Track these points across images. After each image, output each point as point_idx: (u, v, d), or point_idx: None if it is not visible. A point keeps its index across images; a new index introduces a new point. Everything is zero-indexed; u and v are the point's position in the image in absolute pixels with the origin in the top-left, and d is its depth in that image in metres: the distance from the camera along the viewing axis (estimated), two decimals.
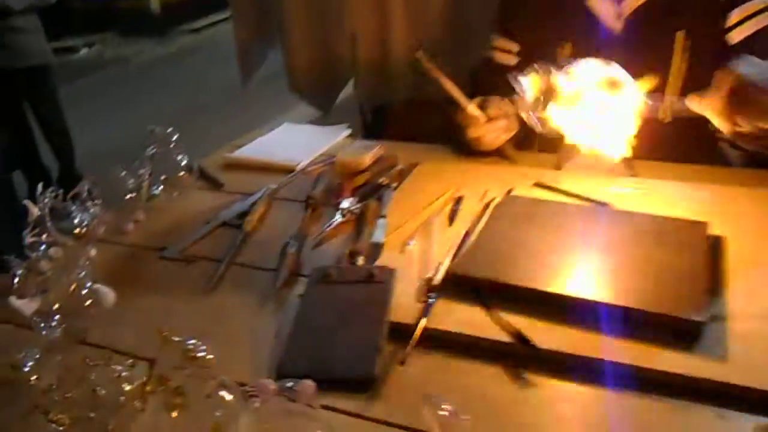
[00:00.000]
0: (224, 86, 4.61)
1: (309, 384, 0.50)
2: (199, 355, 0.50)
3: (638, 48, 1.07)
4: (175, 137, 1.07)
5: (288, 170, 1.18)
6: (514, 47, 1.25)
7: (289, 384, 0.50)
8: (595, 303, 0.68)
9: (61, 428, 0.56)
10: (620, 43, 1.11)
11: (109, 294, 0.76)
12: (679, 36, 1.08)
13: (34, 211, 0.81)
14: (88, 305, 0.74)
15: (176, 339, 0.53)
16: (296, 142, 1.29)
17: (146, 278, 0.89)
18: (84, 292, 0.74)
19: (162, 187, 1.10)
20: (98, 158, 3.38)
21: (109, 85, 5.56)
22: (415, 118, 2.16)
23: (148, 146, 1.04)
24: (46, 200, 0.78)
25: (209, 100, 4.64)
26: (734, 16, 1.05)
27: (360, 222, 0.88)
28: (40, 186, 0.86)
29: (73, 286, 0.74)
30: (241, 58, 2.48)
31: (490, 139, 1.10)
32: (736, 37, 1.04)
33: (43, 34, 3.05)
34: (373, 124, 2.36)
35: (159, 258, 0.92)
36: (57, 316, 0.72)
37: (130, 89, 5.34)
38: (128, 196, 1.00)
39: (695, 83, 0.92)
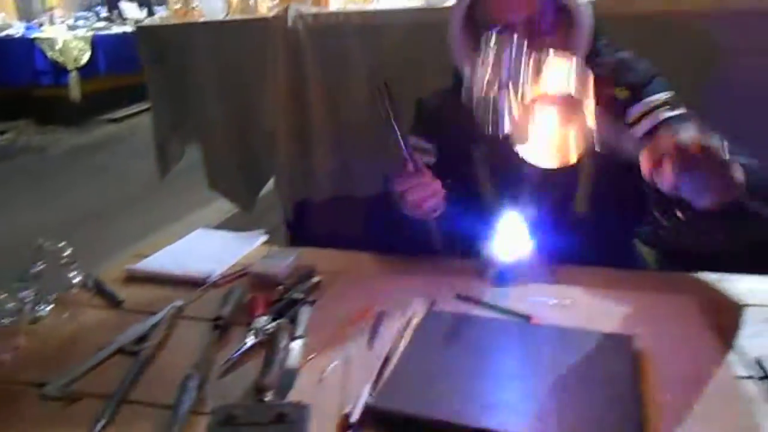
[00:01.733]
0: (143, 178, 4.47)
1: None
2: None
3: None
4: (67, 252, 0.97)
5: (198, 283, 1.09)
6: (429, 147, 1.25)
7: None
8: None
9: None
10: None
11: None
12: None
13: None
14: None
15: None
16: (208, 251, 1.21)
17: (21, 425, 0.76)
18: None
19: (51, 306, 0.98)
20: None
21: (19, 174, 5.28)
22: (340, 213, 2.13)
23: (34, 263, 0.93)
24: None
25: (125, 192, 4.46)
26: (634, 113, 1.11)
27: (271, 346, 0.80)
28: None
29: None
30: (158, 153, 2.41)
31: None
32: (637, 132, 1.09)
33: None
34: (297, 221, 2.31)
35: (38, 396, 0.80)
36: None
37: (42, 180, 5.08)
38: (7, 321, 0.88)
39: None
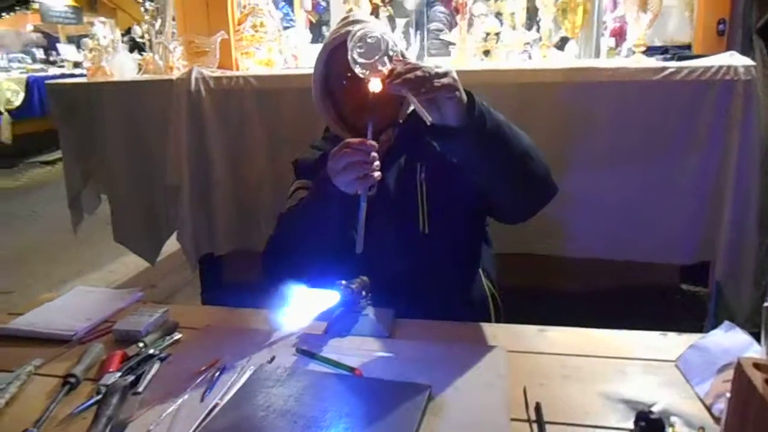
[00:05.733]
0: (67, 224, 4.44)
1: None
2: None
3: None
4: None
5: (63, 341, 1.16)
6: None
7: None
8: None
9: None
10: None
11: None
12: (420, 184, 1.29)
13: None
14: None
15: None
16: (81, 308, 1.28)
17: None
18: None
19: None
20: None
21: None
22: (245, 263, 2.22)
23: None
24: None
25: (52, 235, 4.42)
26: None
27: (102, 401, 0.88)
28: None
29: None
30: (71, 203, 2.46)
31: None
32: None
33: None
34: (208, 271, 2.39)
35: None
36: None
37: None
38: None
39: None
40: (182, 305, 1.32)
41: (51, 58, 8.77)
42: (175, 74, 2.16)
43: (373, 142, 1.05)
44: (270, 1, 2.22)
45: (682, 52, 2.03)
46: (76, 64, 8.35)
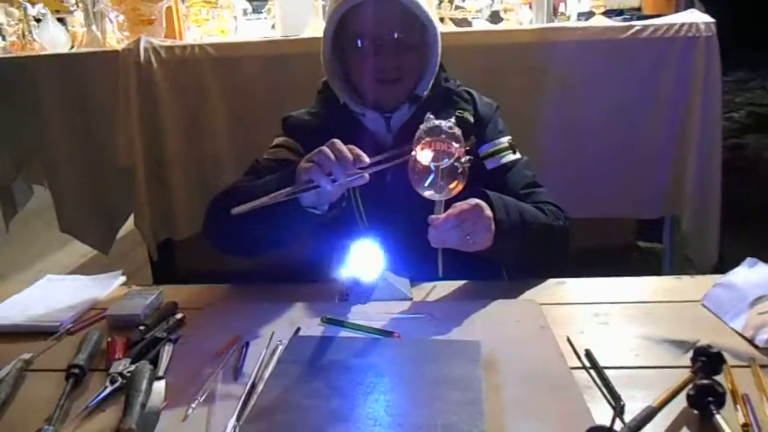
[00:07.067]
0: None
1: None
2: None
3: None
4: None
5: (49, 333, 1.03)
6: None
7: None
8: None
9: None
10: None
11: None
12: None
13: None
14: None
15: None
16: (59, 297, 1.14)
17: None
18: None
19: None
20: None
21: None
22: (204, 249, 2.08)
23: None
24: None
25: None
26: (484, 151, 1.26)
27: (130, 389, 0.78)
28: None
29: None
30: (2, 197, 2.22)
31: None
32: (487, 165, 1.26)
33: None
34: (161, 258, 2.23)
35: None
36: None
37: None
38: None
39: None
40: (174, 286, 1.20)
41: None
42: (119, 45, 1.98)
43: (364, 158, 0.99)
44: None
45: (638, 13, 2.08)
46: None
